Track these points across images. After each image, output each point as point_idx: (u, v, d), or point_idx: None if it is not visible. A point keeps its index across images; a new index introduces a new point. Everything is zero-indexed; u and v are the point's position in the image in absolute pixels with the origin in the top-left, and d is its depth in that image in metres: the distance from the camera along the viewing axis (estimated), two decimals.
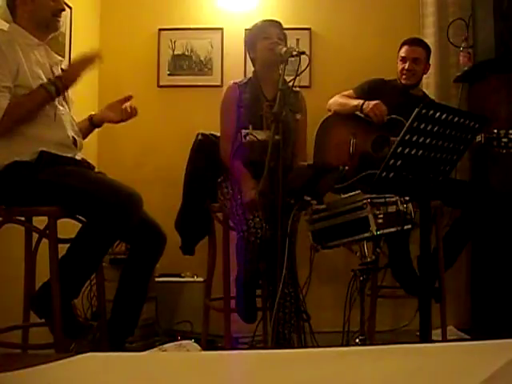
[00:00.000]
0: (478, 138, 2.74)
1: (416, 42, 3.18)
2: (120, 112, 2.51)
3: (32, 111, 2.20)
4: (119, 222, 2.15)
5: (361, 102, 3.02)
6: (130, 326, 2.38)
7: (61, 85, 2.24)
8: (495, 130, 2.73)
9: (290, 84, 2.37)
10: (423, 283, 2.10)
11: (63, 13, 2.41)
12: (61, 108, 2.32)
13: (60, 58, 2.55)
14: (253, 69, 2.88)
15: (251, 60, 2.87)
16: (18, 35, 2.26)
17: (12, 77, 2.15)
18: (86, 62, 2.29)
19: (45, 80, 2.26)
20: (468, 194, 2.98)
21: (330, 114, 3.18)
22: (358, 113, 3.07)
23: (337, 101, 3.16)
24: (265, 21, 2.79)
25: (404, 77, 3.15)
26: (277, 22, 2.76)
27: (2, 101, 2.11)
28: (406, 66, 3.13)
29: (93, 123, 2.54)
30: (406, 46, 3.17)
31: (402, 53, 3.17)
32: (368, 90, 3.15)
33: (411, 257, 2.96)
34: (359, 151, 3.03)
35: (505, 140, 2.68)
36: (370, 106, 2.97)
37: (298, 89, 2.82)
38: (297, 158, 2.79)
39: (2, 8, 2.55)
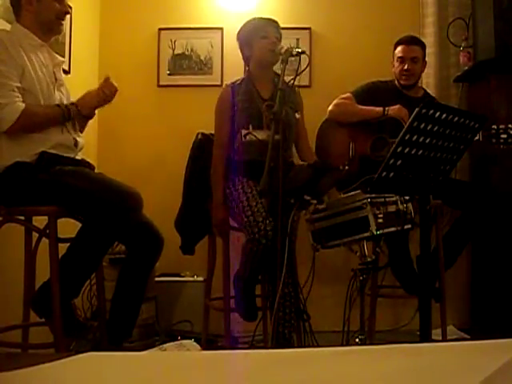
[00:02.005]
0: (476, 136, 2.72)
1: (412, 41, 3.12)
2: (98, 94, 2.41)
3: (43, 124, 2.23)
4: (119, 221, 2.15)
5: (380, 109, 2.97)
6: (128, 328, 2.38)
7: (75, 110, 2.29)
8: (494, 126, 2.70)
9: (291, 83, 2.37)
10: (423, 283, 2.10)
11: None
12: None
13: (62, 58, 2.55)
14: (246, 65, 2.85)
15: (245, 57, 2.82)
16: (21, 36, 2.26)
17: (19, 78, 2.16)
18: (104, 97, 2.35)
19: (48, 82, 2.27)
20: (468, 195, 2.98)
21: (327, 117, 3.13)
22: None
23: (348, 110, 3.06)
24: (262, 19, 2.76)
25: (404, 77, 3.10)
26: (274, 21, 2.73)
27: (17, 102, 2.13)
28: (406, 66, 3.08)
29: (84, 116, 2.52)
30: (403, 45, 3.11)
31: (399, 53, 3.11)
32: (367, 94, 3.10)
33: (411, 256, 2.96)
34: (359, 154, 3.03)
35: (504, 136, 2.65)
36: (396, 111, 2.92)
37: (291, 82, 2.81)
38: (303, 155, 2.83)
39: (2, 8, 2.55)
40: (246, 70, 2.84)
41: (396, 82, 3.16)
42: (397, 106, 2.95)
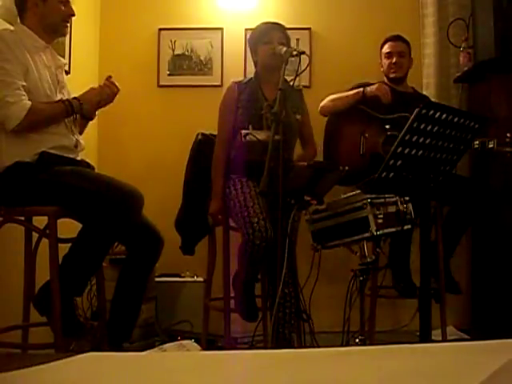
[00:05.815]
0: (491, 144, 2.75)
1: (398, 38, 3.26)
2: (99, 92, 2.40)
3: (48, 121, 2.23)
4: (121, 218, 2.15)
5: (360, 89, 3.07)
6: (128, 329, 2.38)
7: (78, 105, 2.28)
8: (508, 134, 2.73)
9: (291, 83, 2.37)
10: (423, 283, 2.10)
11: None
12: None
13: (64, 61, 2.55)
14: (254, 69, 2.87)
15: (254, 62, 2.87)
16: (25, 36, 2.26)
17: (23, 77, 2.16)
18: (105, 95, 2.35)
19: (50, 83, 2.27)
20: (465, 191, 2.97)
21: (328, 112, 3.18)
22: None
23: (330, 99, 3.16)
24: (267, 23, 2.78)
25: (392, 70, 3.21)
26: (279, 24, 2.75)
27: (24, 100, 2.13)
28: (394, 60, 3.20)
29: (85, 117, 2.50)
30: (390, 42, 3.25)
31: (387, 49, 3.25)
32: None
33: (411, 257, 2.96)
34: (369, 151, 3.03)
35: None
36: (375, 88, 3.03)
37: (300, 87, 2.83)
38: (307, 149, 2.90)
39: (2, 8, 2.55)
40: (254, 71, 2.85)
41: (385, 79, 3.22)
42: (376, 84, 3.05)
